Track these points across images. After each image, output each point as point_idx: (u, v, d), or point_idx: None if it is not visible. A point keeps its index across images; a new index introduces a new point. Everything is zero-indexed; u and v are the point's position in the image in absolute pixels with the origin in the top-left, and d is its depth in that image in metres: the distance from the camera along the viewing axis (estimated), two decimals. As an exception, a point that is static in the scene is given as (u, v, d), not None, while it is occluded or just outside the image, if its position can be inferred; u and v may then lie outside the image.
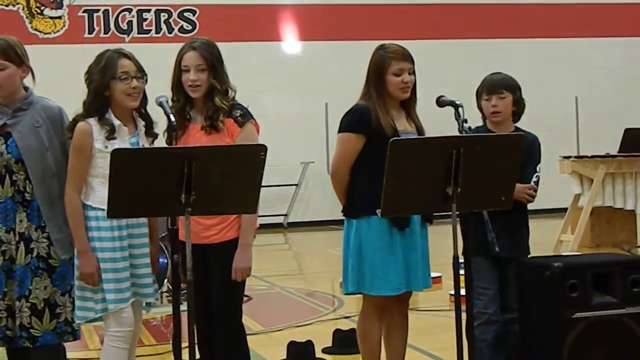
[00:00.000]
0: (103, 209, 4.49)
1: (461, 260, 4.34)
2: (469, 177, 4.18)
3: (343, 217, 5.13)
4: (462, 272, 4.34)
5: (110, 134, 4.63)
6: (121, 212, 4.13)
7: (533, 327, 5.00)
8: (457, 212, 4.26)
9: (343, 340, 6.81)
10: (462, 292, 4.32)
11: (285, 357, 6.53)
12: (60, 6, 16.68)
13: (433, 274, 5.36)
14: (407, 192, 4.27)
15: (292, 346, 6.56)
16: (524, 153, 4.55)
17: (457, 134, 4.60)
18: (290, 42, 17.72)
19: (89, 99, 4.69)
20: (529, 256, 5.28)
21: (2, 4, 16.39)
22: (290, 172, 17.03)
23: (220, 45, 4.90)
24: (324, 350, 6.78)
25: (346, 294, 5.15)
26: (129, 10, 16.99)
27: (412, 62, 5.05)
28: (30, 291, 4.70)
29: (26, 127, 4.75)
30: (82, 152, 4.62)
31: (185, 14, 17.17)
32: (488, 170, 4.27)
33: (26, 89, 4.87)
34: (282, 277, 11.12)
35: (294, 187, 17.37)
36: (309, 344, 6.59)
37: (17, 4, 16.50)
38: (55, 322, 4.75)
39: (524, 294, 5.07)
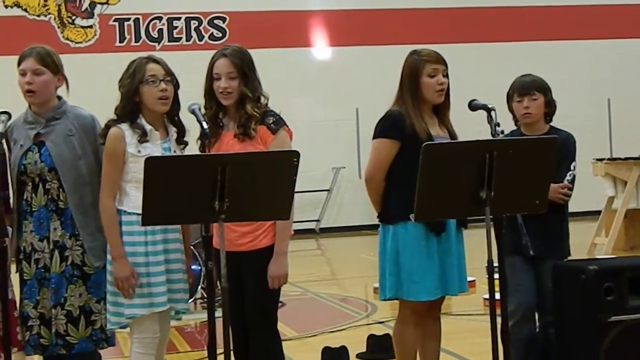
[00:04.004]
0: (137, 214, 4.52)
1: (495, 264, 4.32)
2: (503, 181, 4.16)
3: (375, 222, 5.12)
4: (496, 276, 4.32)
5: (142, 138, 4.66)
6: (155, 219, 4.15)
7: (568, 330, 4.97)
8: (491, 216, 4.25)
9: (377, 346, 6.80)
10: (497, 296, 4.30)
11: (319, 362, 6.53)
12: (91, 15, 16.79)
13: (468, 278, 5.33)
14: (440, 196, 4.25)
15: (327, 352, 6.56)
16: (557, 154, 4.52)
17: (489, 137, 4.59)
18: (321, 47, 17.72)
19: (120, 104, 4.72)
20: (567, 259, 5.24)
21: (34, 14, 16.52)
22: (321, 178, 17.03)
23: (251, 52, 4.91)
24: (358, 356, 6.77)
25: (383, 299, 5.14)
26: (160, 19, 17.07)
27: (446, 64, 5.04)
28: (65, 299, 4.73)
29: (59, 136, 4.79)
30: (115, 157, 4.65)
31: (215, 21, 17.22)
32: (522, 173, 4.25)
33: (59, 98, 4.91)
34: (315, 283, 11.12)
35: (326, 192, 17.36)
36: (343, 350, 6.58)
37: (49, 14, 16.62)
38: (90, 329, 4.77)
39: (559, 297, 5.04)
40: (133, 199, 4.62)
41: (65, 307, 4.73)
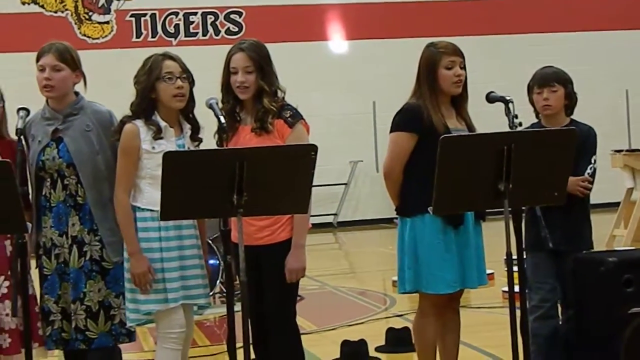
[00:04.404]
0: (151, 210, 4.54)
1: (514, 256, 4.31)
2: (521, 173, 4.14)
3: (393, 215, 5.12)
4: (515, 268, 4.30)
5: (157, 134, 4.67)
6: (174, 214, 4.15)
7: (588, 323, 4.95)
8: (509, 209, 4.23)
9: (396, 339, 6.80)
10: (516, 288, 4.29)
11: (338, 356, 6.53)
12: (107, 11, 16.83)
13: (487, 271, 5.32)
14: (459, 189, 4.24)
15: (346, 345, 6.56)
16: (576, 146, 4.50)
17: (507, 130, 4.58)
18: (337, 41, 17.70)
19: (136, 101, 4.74)
20: (585, 251, 5.22)
21: (50, 11, 16.57)
22: (339, 172, 17.02)
23: (267, 46, 4.90)
24: (377, 349, 6.77)
25: (402, 292, 5.14)
26: (176, 14, 17.09)
27: (463, 56, 5.03)
28: (84, 294, 4.74)
29: (77, 132, 4.80)
30: (130, 153, 4.67)
31: (232, 15, 17.23)
32: (540, 165, 4.23)
33: (76, 93, 4.93)
34: (333, 277, 11.13)
35: (343, 186, 17.36)
36: (362, 343, 6.58)
37: (66, 10, 16.67)
38: (110, 323, 4.78)
39: (579, 289, 5.02)
40: (147, 195, 4.63)
41: (84, 302, 4.74)
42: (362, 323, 8.03)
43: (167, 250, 4.66)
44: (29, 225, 4.35)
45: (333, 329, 7.77)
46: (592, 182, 5.16)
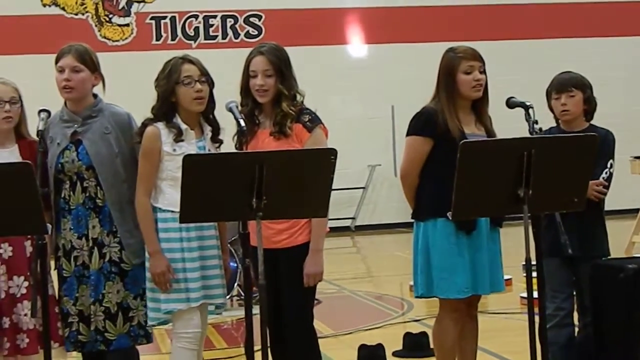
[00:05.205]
0: (172, 211, 4.56)
1: (533, 262, 4.29)
2: (541, 178, 4.13)
3: (410, 220, 5.12)
4: (534, 274, 4.29)
5: (178, 137, 4.69)
6: (193, 217, 4.17)
7: (607, 329, 4.94)
8: (529, 214, 4.22)
9: (413, 344, 6.79)
10: (535, 294, 4.28)
11: (355, 360, 6.53)
12: (128, 14, 16.88)
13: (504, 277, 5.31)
14: (478, 194, 4.23)
15: (363, 349, 6.55)
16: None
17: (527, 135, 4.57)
18: (356, 45, 17.70)
19: (157, 104, 4.76)
20: (605, 257, 5.20)
21: (71, 13, 16.64)
22: (357, 175, 17.01)
23: (286, 50, 4.91)
24: (395, 354, 6.77)
25: (417, 297, 5.14)
26: (196, 17, 17.13)
27: (482, 61, 5.02)
28: (103, 295, 4.76)
29: (96, 134, 4.81)
30: (151, 155, 4.69)
31: (251, 19, 17.25)
32: (560, 171, 4.21)
33: (95, 96, 4.94)
34: (350, 281, 11.12)
35: (361, 190, 17.35)
36: (380, 347, 6.57)
37: (86, 12, 16.73)
38: (128, 325, 4.80)
39: (598, 296, 5.01)
40: (168, 197, 4.66)
41: (103, 303, 4.76)
42: (379, 327, 8.02)
43: (188, 250, 4.68)
44: (49, 226, 4.36)
45: (350, 333, 7.76)
46: (607, 187, 5.13)
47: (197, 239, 4.71)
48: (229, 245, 5.18)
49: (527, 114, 4.65)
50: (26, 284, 4.80)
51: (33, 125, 4.84)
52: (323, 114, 4.89)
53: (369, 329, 7.92)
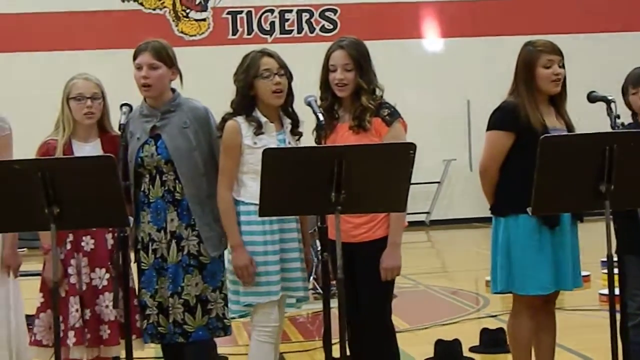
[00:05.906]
0: (254, 204, 4.55)
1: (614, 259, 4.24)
2: (623, 174, 4.08)
3: (485, 215, 5.08)
4: (615, 271, 4.23)
5: (258, 130, 4.71)
6: (273, 210, 4.19)
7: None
8: (611, 210, 4.16)
9: (491, 340, 6.75)
10: (616, 291, 4.22)
11: (432, 355, 6.50)
12: (204, 9, 17.04)
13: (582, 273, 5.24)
14: (558, 189, 4.19)
15: (440, 344, 6.53)
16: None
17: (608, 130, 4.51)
18: (432, 39, 17.63)
19: (236, 98, 4.78)
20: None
21: (149, 8, 16.84)
22: (432, 170, 16.95)
23: (362, 44, 4.91)
24: (471, 349, 6.73)
25: (495, 292, 5.10)
26: (271, 11, 17.22)
27: (562, 55, 4.97)
28: (182, 288, 4.79)
29: (174, 129, 4.85)
30: (232, 149, 4.72)
31: (327, 13, 17.28)
32: (643, 166, 4.16)
33: (173, 90, 4.98)
34: (426, 275, 11.08)
35: (437, 184, 17.29)
36: (456, 343, 6.55)
37: (164, 7, 16.93)
38: (207, 317, 4.83)
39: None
40: (250, 190, 4.67)
41: (182, 296, 4.79)
42: (455, 323, 7.99)
43: (271, 243, 4.70)
44: (131, 219, 4.42)
45: (426, 328, 7.74)
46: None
47: (279, 231, 4.72)
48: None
49: (609, 109, 4.59)
50: (107, 276, 4.87)
51: (115, 120, 4.91)
52: (399, 108, 4.87)
53: (445, 324, 7.90)
